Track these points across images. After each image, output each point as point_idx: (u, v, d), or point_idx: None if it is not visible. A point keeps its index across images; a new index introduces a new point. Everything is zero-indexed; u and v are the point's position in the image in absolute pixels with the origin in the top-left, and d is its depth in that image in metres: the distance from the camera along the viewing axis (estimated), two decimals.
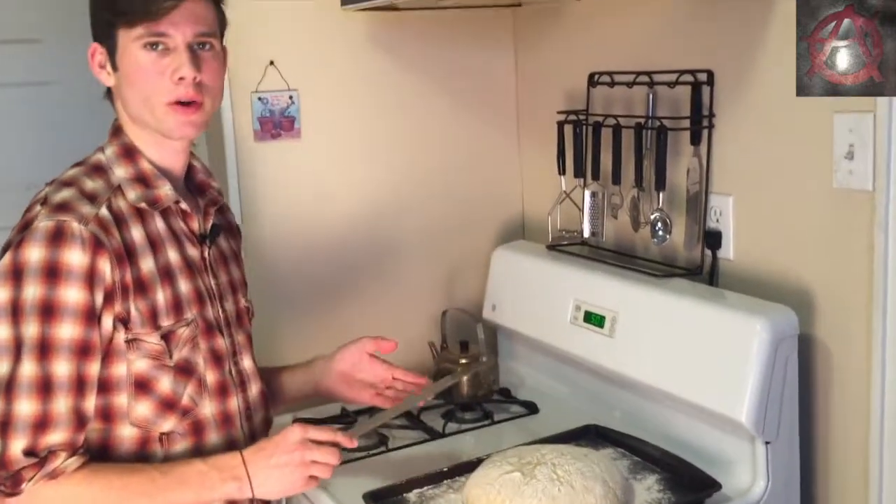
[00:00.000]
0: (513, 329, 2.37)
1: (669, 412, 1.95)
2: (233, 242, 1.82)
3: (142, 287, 1.53)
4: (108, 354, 1.51)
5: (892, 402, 1.71)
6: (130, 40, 1.54)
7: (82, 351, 1.47)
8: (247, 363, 1.72)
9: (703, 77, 2.00)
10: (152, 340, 1.54)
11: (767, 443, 1.78)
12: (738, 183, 1.98)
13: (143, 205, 1.57)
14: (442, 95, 2.57)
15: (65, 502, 1.48)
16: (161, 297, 1.56)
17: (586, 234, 2.27)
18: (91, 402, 1.50)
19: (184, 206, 1.63)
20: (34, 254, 1.45)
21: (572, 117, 2.28)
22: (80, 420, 1.48)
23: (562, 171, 2.31)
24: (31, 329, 1.44)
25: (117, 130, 1.63)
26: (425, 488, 1.80)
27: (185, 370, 1.58)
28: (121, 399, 1.53)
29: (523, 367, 2.41)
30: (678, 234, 2.10)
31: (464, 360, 2.28)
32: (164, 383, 1.56)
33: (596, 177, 2.25)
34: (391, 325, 2.23)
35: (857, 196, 1.73)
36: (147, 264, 1.55)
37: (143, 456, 1.56)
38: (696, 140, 2.03)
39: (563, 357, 2.20)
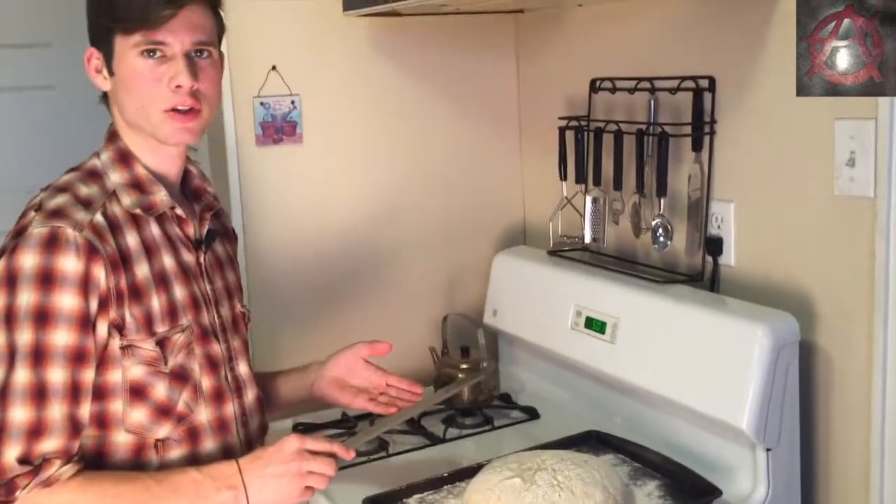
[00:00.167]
0: (514, 334, 2.37)
1: (670, 418, 1.95)
2: (229, 247, 1.82)
3: (137, 293, 1.53)
4: (102, 361, 1.51)
5: (892, 409, 1.70)
6: (128, 47, 1.53)
7: (77, 358, 1.46)
8: (243, 369, 1.71)
9: (704, 83, 2.00)
10: (147, 347, 1.53)
11: (768, 449, 1.77)
12: (740, 189, 1.98)
13: (138, 210, 1.57)
14: (443, 101, 2.57)
15: None
16: (156, 303, 1.55)
17: (587, 239, 2.26)
18: (86, 410, 1.49)
19: (179, 211, 1.62)
20: (28, 260, 1.45)
21: (574, 123, 2.28)
22: (74, 427, 1.48)
23: (563, 176, 2.31)
24: (25, 336, 1.44)
25: (113, 135, 1.62)
26: (425, 494, 1.80)
27: (180, 376, 1.58)
28: (116, 406, 1.53)
29: (524, 372, 2.40)
30: (679, 241, 2.09)
31: (465, 366, 2.28)
32: (160, 390, 1.55)
33: (597, 183, 2.25)
34: (392, 330, 2.23)
35: (858, 203, 1.72)
36: (142, 270, 1.54)
37: (138, 463, 1.55)
38: (697, 146, 2.03)
39: (564, 363, 2.20)
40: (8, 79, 3.13)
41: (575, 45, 2.42)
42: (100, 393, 1.51)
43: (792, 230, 1.88)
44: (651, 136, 2.09)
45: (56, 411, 1.45)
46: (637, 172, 2.10)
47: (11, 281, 1.45)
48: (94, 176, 1.58)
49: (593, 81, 2.27)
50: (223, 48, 1.66)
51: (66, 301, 1.44)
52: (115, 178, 1.58)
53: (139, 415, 1.54)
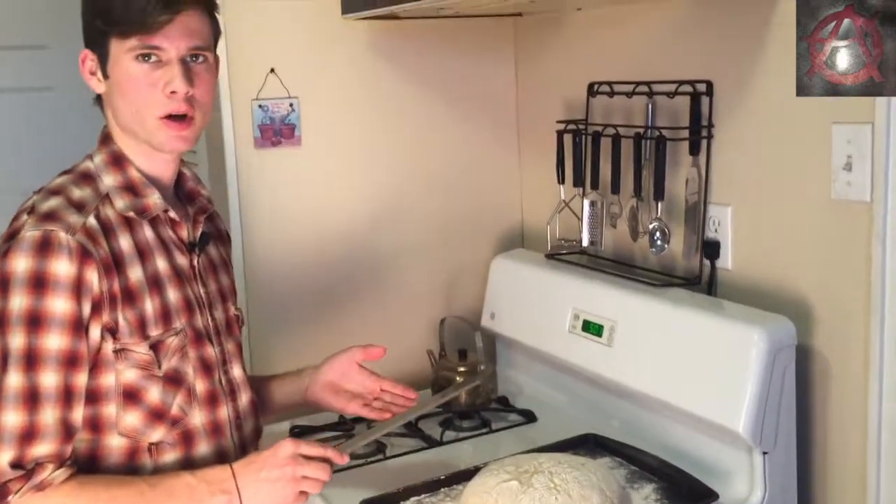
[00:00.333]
0: (511, 337, 2.37)
1: (667, 422, 1.94)
2: (222, 250, 1.81)
3: (130, 297, 1.53)
4: (96, 365, 1.50)
5: (889, 412, 1.70)
6: (123, 51, 1.52)
7: (69, 362, 1.46)
8: (236, 372, 1.71)
9: (702, 87, 2.00)
10: (141, 350, 1.53)
11: (765, 453, 1.77)
12: (737, 193, 1.98)
13: (131, 214, 1.56)
14: (442, 104, 2.57)
15: None
16: (149, 306, 1.55)
17: (585, 243, 2.26)
18: (79, 414, 1.49)
19: (173, 214, 1.62)
20: (21, 264, 1.44)
21: (572, 127, 2.28)
22: (67, 431, 1.47)
23: (561, 180, 2.31)
24: (17, 340, 1.44)
25: (106, 138, 1.62)
26: (422, 496, 1.79)
27: (174, 380, 1.57)
28: (109, 409, 1.52)
29: (521, 375, 2.40)
30: (677, 244, 2.09)
31: (462, 369, 2.28)
32: (153, 393, 1.55)
33: (595, 186, 2.24)
34: (390, 333, 2.23)
35: (855, 207, 1.72)
36: (135, 273, 1.54)
37: (132, 466, 1.55)
38: (694, 150, 2.02)
39: (562, 366, 2.20)
40: (6, 80, 3.14)
41: (573, 49, 2.42)
42: (93, 397, 1.51)
43: (789, 234, 1.87)
44: (649, 140, 2.09)
45: (49, 415, 1.45)
46: (635, 176, 2.10)
47: (4, 285, 1.45)
48: (87, 179, 1.58)
49: (591, 85, 2.26)
50: (220, 51, 1.66)
51: (59, 305, 1.44)
52: (109, 180, 1.58)
53: (133, 418, 1.54)
